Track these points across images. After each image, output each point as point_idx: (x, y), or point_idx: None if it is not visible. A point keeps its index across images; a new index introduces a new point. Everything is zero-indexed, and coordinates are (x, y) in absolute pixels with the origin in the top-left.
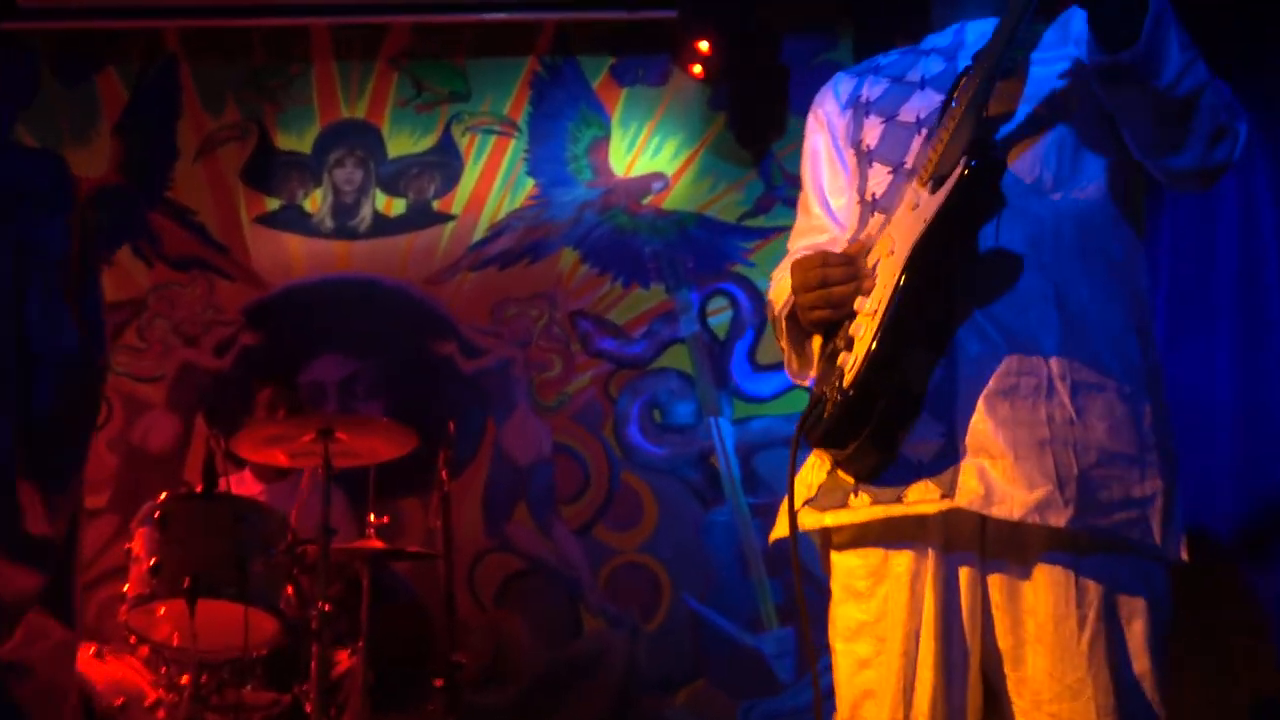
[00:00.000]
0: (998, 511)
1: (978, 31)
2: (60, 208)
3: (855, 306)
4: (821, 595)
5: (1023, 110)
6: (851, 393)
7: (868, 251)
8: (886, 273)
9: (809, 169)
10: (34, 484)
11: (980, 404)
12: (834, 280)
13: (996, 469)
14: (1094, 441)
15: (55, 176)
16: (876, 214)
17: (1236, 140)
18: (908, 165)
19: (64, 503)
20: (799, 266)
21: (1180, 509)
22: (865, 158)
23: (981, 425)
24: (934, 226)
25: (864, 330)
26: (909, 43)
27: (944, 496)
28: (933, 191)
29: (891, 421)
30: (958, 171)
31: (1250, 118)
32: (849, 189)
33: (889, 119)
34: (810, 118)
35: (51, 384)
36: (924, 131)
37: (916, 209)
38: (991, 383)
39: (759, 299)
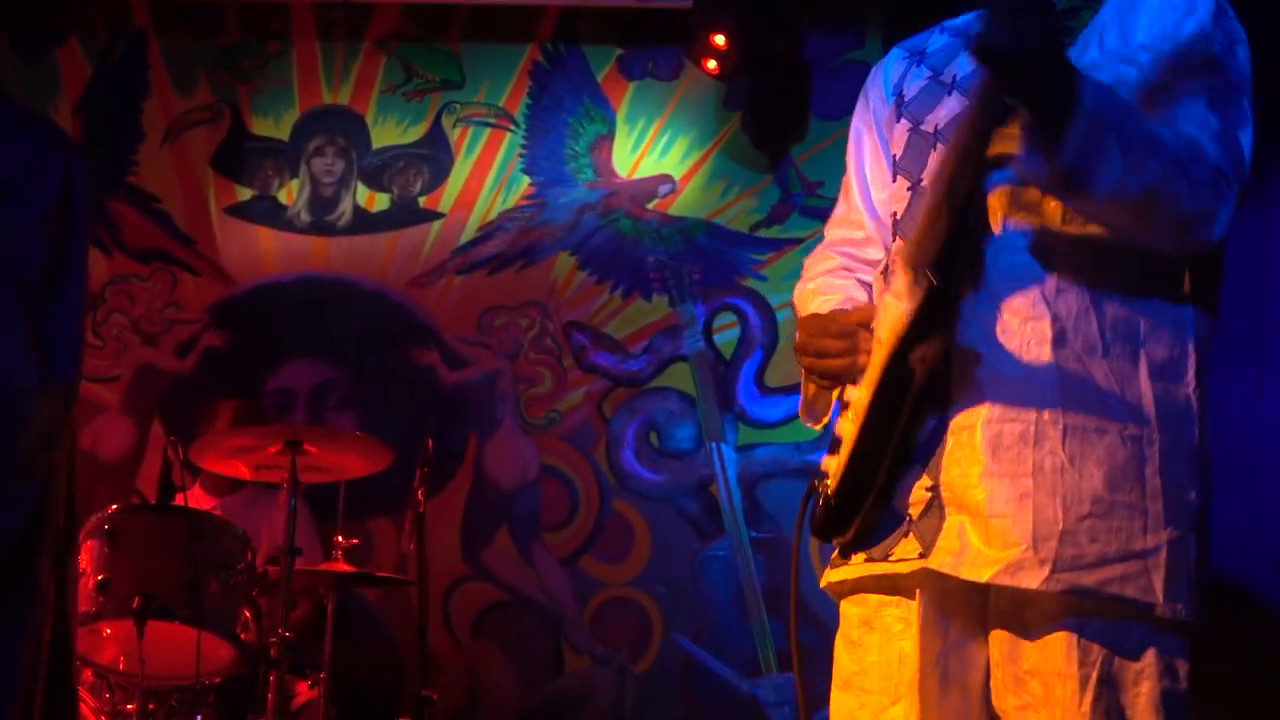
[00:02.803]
0: (967, 574)
1: None
2: (32, 201)
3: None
4: (828, 643)
5: None
6: (833, 503)
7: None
8: (870, 368)
9: (853, 153)
10: None
11: (963, 457)
12: (830, 353)
13: (974, 526)
14: (1088, 490)
15: (36, 145)
16: (898, 239)
17: (1214, 222)
18: (922, 182)
19: None
20: (805, 325)
21: (1197, 561)
22: (892, 165)
23: (962, 479)
24: (900, 341)
25: (845, 435)
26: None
27: (921, 555)
28: (910, 290)
29: (882, 519)
30: (921, 289)
31: None
32: (892, 185)
33: (914, 126)
34: (861, 98)
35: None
36: (939, 146)
37: (897, 300)
38: (977, 433)
39: (769, 316)
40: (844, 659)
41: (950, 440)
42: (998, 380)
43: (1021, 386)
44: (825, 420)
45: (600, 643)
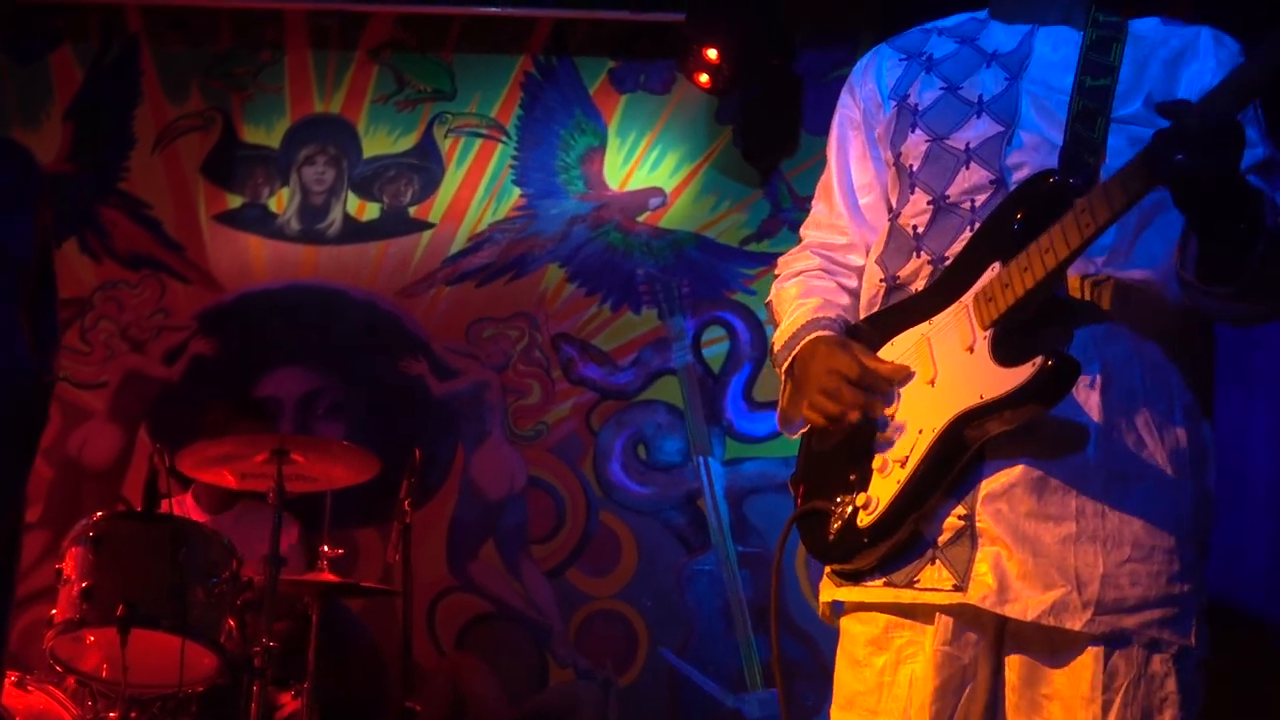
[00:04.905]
0: (1011, 611)
1: (1049, 44)
2: (23, 204)
3: (881, 434)
4: (814, 658)
5: None
6: (866, 540)
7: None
8: (924, 410)
9: (836, 154)
10: None
11: (1004, 493)
12: (846, 401)
13: (1013, 563)
14: (1128, 535)
15: (19, 169)
16: (921, 255)
17: None
18: (949, 198)
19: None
20: (818, 354)
21: (1205, 599)
22: (907, 176)
23: (1004, 515)
24: (988, 406)
25: (891, 474)
26: (971, 8)
27: (956, 588)
28: (994, 353)
29: (903, 546)
30: (1032, 369)
31: None
32: (878, 189)
33: (936, 139)
34: (845, 95)
35: None
36: (972, 164)
37: (971, 355)
38: (1019, 470)
39: (759, 330)
40: (847, 678)
41: (991, 474)
42: (1044, 422)
43: (1067, 430)
44: (805, 430)
45: (585, 656)
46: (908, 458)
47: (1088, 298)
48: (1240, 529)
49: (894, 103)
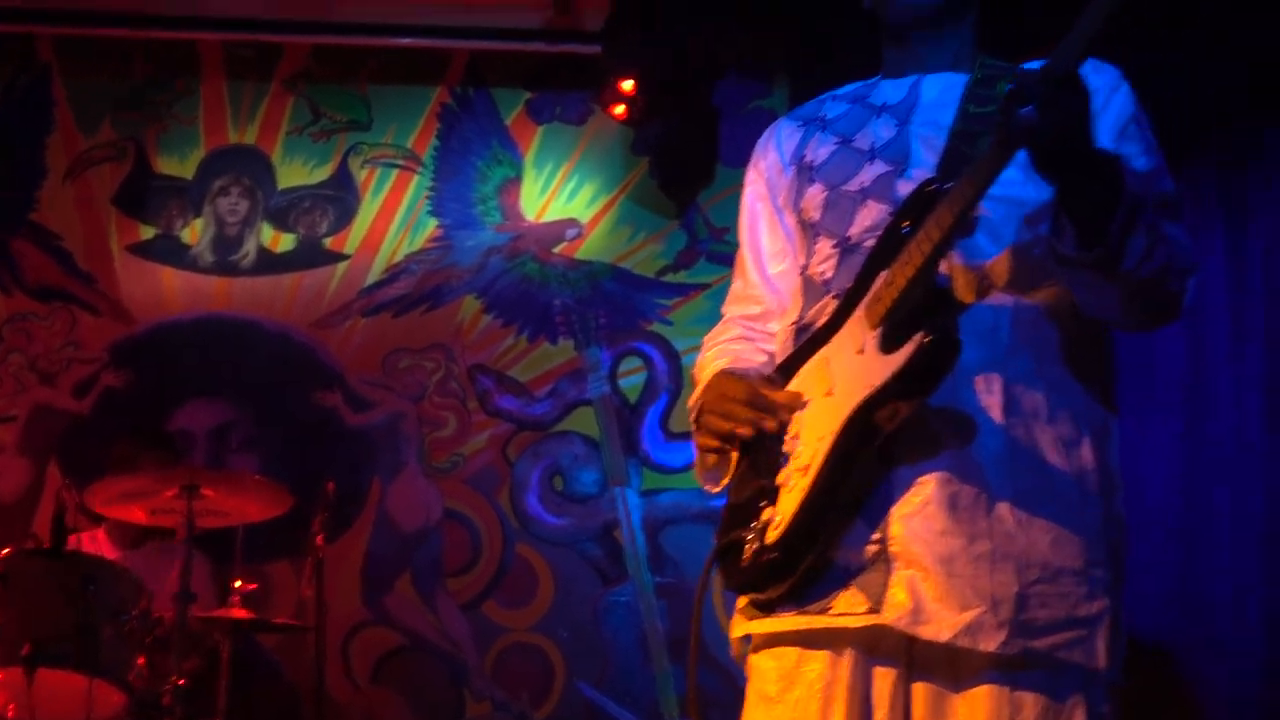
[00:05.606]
0: (925, 632)
1: (936, 89)
2: None
3: (785, 448)
4: (730, 689)
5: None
6: (775, 554)
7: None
8: (822, 419)
9: (746, 229)
10: None
11: (917, 513)
12: (738, 417)
13: (928, 584)
14: (1037, 557)
15: None
16: (830, 299)
17: (1181, 307)
18: (851, 239)
19: None
20: (715, 385)
21: (1124, 623)
22: (810, 230)
23: (917, 535)
24: (878, 394)
25: (794, 485)
26: (861, 76)
27: (870, 610)
28: (882, 346)
29: (817, 573)
30: (912, 346)
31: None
32: (789, 255)
33: (832, 188)
34: (750, 170)
35: None
36: (869, 202)
37: (861, 355)
38: (931, 490)
39: (675, 360)
40: (759, 716)
41: (901, 495)
42: (952, 440)
43: (975, 449)
44: (725, 483)
45: (502, 689)
46: (809, 466)
47: (992, 318)
48: (1143, 564)
49: (793, 166)
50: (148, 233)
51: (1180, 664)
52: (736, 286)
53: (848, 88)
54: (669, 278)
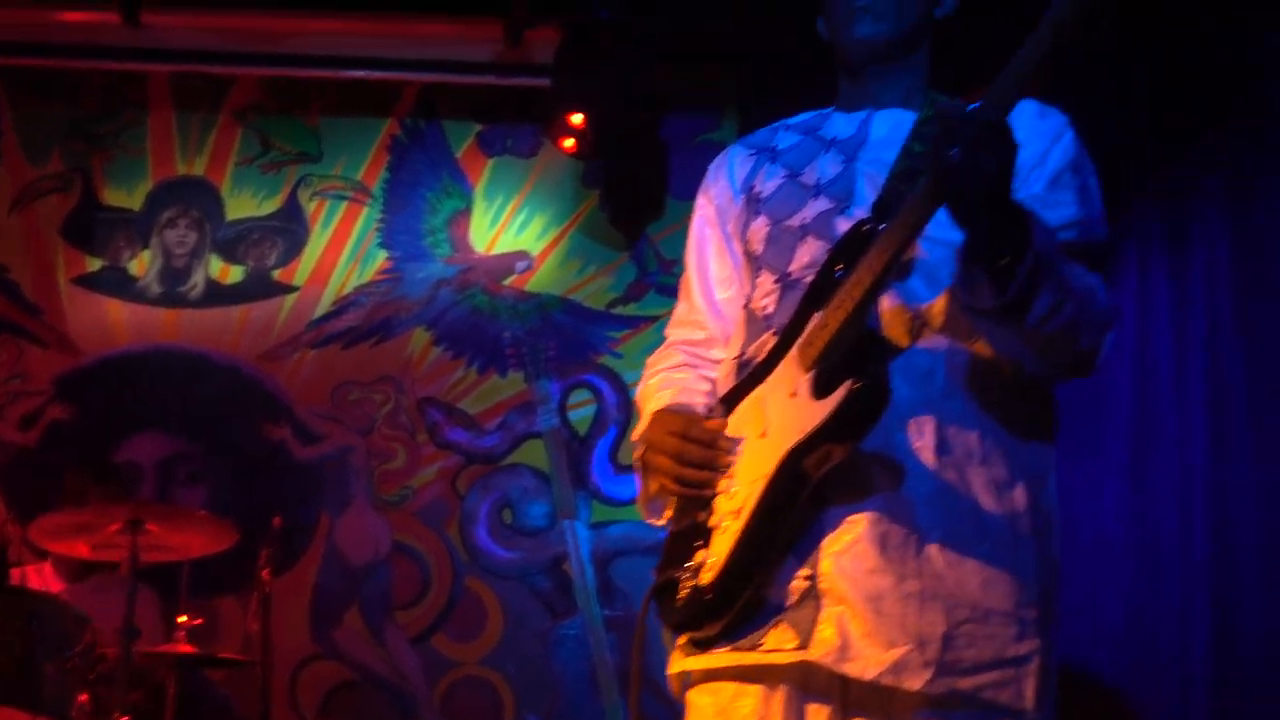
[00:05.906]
0: (851, 670)
1: (885, 126)
2: None
3: (719, 488)
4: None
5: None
6: (709, 596)
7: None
8: (755, 461)
9: (694, 253)
10: None
11: (847, 551)
12: (690, 460)
13: (856, 621)
14: (967, 597)
15: None
16: (770, 335)
17: (1098, 359)
18: (791, 275)
19: None
20: (659, 423)
21: (1055, 663)
22: (753, 262)
23: (846, 573)
24: (808, 440)
25: (726, 527)
26: (815, 106)
27: (798, 647)
28: (814, 390)
29: (750, 610)
30: (843, 392)
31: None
32: (736, 282)
33: (776, 223)
34: (701, 196)
35: None
36: (808, 239)
37: (794, 399)
38: (862, 529)
39: (625, 394)
40: None
41: (833, 532)
42: (884, 480)
43: (907, 489)
44: (668, 515)
45: None
46: (742, 509)
47: (926, 361)
48: (1097, 603)
49: (743, 195)
50: (95, 264)
51: (1129, 700)
52: (681, 310)
53: (801, 117)
54: (619, 310)
